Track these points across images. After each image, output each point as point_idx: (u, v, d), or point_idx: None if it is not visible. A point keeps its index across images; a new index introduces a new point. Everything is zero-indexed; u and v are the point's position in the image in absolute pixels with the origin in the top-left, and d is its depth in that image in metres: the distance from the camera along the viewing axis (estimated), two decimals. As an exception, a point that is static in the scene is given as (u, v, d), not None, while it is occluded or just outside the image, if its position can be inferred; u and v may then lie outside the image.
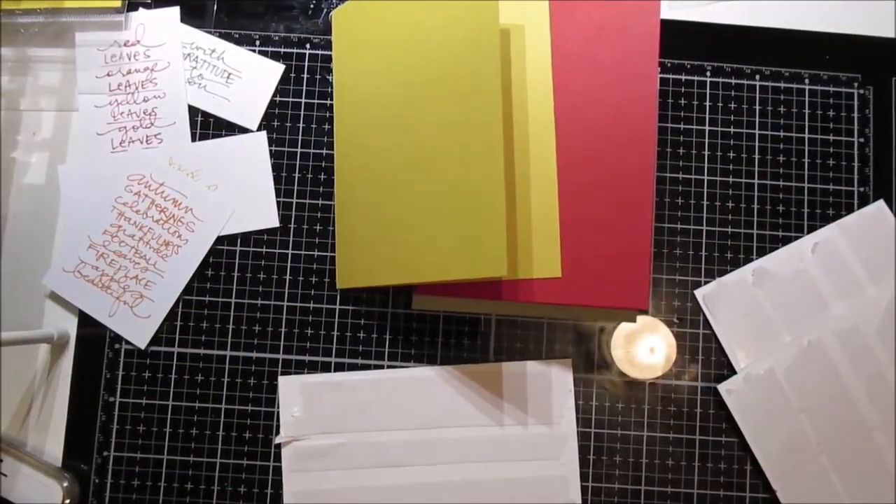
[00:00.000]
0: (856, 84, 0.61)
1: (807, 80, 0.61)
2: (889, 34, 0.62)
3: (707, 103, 0.61)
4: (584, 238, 0.53)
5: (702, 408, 0.57)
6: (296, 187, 0.60)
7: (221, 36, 0.61)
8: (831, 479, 0.56)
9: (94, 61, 0.61)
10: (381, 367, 0.58)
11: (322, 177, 0.60)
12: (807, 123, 0.61)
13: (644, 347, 0.55)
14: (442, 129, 0.49)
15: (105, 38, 0.61)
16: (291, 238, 0.59)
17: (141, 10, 0.61)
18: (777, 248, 0.59)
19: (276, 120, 0.60)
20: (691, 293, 0.58)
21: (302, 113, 0.60)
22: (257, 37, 0.61)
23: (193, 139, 0.60)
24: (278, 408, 0.57)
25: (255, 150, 0.60)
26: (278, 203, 0.59)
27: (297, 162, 0.60)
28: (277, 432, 0.57)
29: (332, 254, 0.59)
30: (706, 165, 0.60)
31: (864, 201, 0.60)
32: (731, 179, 0.60)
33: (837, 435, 0.56)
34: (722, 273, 0.59)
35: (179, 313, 0.58)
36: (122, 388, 0.57)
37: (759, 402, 0.56)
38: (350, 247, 0.57)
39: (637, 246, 0.53)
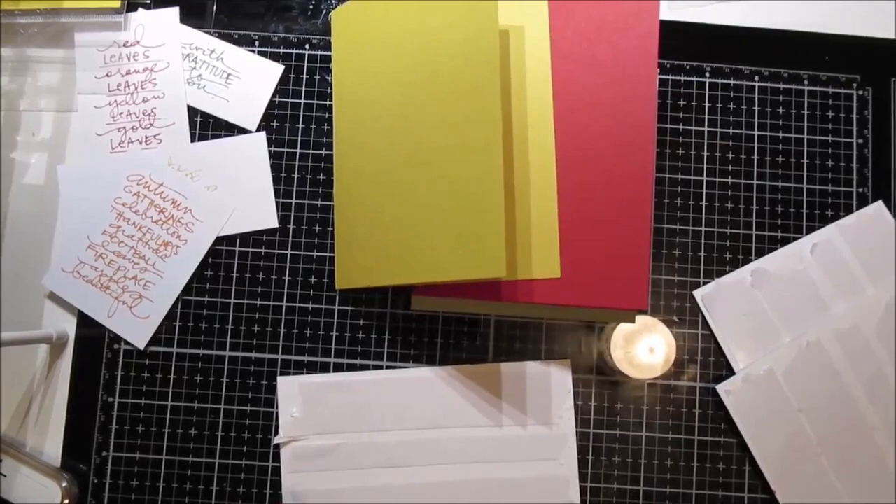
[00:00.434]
0: (855, 85, 0.61)
1: (806, 81, 0.61)
2: (888, 35, 0.62)
3: (706, 104, 0.61)
4: (584, 238, 0.53)
5: (701, 408, 0.57)
6: (295, 187, 0.60)
7: (221, 36, 0.61)
8: (831, 479, 0.56)
9: (94, 62, 0.61)
10: (381, 367, 0.58)
11: (321, 177, 0.60)
12: (806, 124, 0.61)
13: (643, 348, 0.55)
14: (441, 129, 0.49)
15: (104, 38, 0.61)
16: (290, 238, 0.59)
17: (140, 10, 0.61)
18: (776, 249, 0.59)
19: (275, 120, 0.60)
20: (690, 293, 0.58)
21: (301, 113, 0.60)
22: (256, 37, 0.61)
23: (193, 139, 0.60)
24: (277, 408, 0.57)
25: (254, 151, 0.60)
26: (277, 203, 0.59)
27: (297, 162, 0.60)
28: (276, 432, 0.57)
29: (332, 254, 0.59)
30: (705, 166, 0.60)
31: (863, 202, 0.60)
32: (730, 180, 0.60)
33: (837, 435, 0.56)
34: (721, 273, 0.59)
35: (178, 314, 0.58)
36: (121, 388, 0.57)
37: (758, 402, 0.56)
38: (349, 247, 0.57)
39: (636, 246, 0.53)
